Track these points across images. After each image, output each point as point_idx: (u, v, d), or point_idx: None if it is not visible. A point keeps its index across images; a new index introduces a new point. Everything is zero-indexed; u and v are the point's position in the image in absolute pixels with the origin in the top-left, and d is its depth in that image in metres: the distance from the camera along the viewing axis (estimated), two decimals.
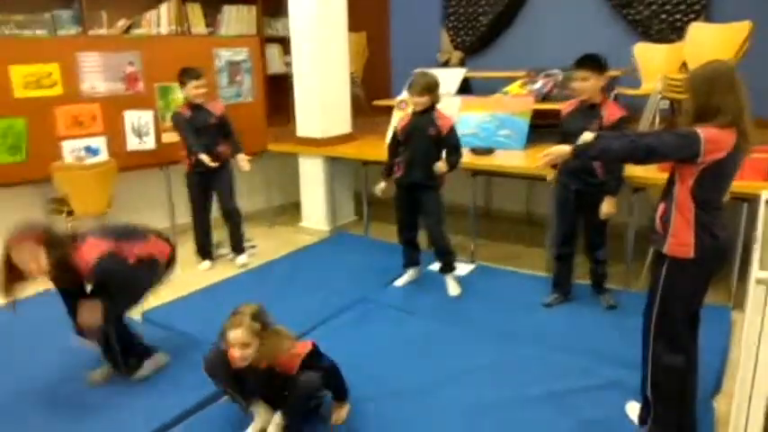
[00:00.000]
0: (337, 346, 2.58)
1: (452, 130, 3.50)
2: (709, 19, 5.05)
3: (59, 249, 2.39)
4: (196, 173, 4.08)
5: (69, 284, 2.55)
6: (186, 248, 4.71)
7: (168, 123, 4.53)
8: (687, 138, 1.97)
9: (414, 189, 3.59)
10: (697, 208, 2.03)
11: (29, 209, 4.10)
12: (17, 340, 3.22)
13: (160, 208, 4.76)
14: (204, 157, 3.89)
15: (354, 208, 5.39)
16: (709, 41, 4.36)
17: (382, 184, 3.75)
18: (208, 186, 4.17)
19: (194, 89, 3.92)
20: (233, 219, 4.27)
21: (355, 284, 3.88)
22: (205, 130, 4.01)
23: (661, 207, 2.12)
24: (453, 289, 3.68)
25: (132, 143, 4.38)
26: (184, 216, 4.94)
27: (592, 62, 3.06)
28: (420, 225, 3.76)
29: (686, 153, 1.97)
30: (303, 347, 2.30)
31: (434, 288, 3.75)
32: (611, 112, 3.07)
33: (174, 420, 2.50)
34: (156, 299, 3.61)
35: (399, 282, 3.87)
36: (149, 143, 4.43)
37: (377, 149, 4.88)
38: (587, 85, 3.08)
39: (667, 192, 2.11)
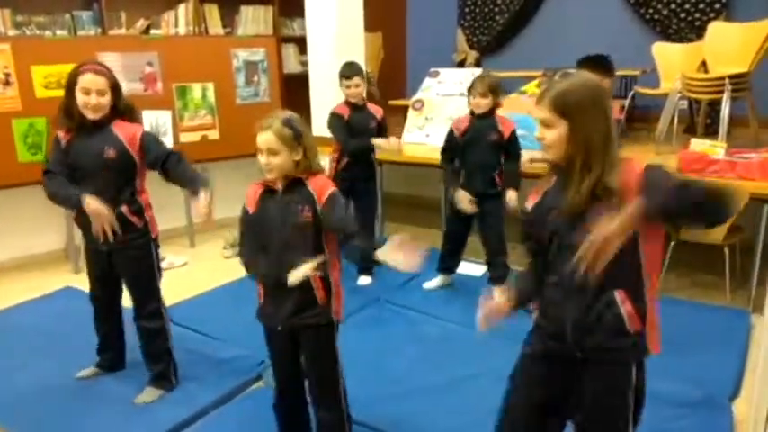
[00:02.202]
0: (353, 346, 2.59)
1: (514, 136, 3.35)
2: (729, 18, 4.99)
3: (125, 101, 2.47)
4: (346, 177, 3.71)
5: (98, 142, 2.40)
6: (207, 246, 4.76)
7: (186, 123, 4.58)
8: None
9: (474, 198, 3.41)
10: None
11: (50, 207, 4.15)
12: (36, 336, 3.27)
13: (179, 207, 4.80)
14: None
15: None
16: (729, 41, 4.31)
17: (464, 195, 3.39)
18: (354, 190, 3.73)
19: (345, 88, 3.69)
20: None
21: (371, 285, 3.88)
22: (363, 132, 3.71)
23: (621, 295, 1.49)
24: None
25: None
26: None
27: (589, 64, 2.93)
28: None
29: None
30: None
31: (451, 290, 3.74)
32: None
33: (191, 418, 2.52)
34: (175, 296, 3.67)
35: (430, 284, 3.78)
36: (167, 143, 4.46)
37: (392, 149, 4.88)
38: None
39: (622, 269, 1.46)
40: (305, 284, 1.90)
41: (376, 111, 3.82)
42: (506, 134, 3.35)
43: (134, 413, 2.56)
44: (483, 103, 3.30)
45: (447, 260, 3.74)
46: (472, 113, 3.38)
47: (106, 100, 2.37)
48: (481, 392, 2.64)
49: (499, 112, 3.44)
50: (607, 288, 1.48)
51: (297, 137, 1.89)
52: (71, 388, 2.76)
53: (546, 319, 1.62)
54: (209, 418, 2.55)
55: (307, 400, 2.14)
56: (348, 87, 3.68)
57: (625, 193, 1.38)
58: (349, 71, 3.68)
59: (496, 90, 3.32)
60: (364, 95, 3.77)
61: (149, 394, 2.64)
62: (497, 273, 3.52)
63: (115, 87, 2.42)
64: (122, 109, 2.45)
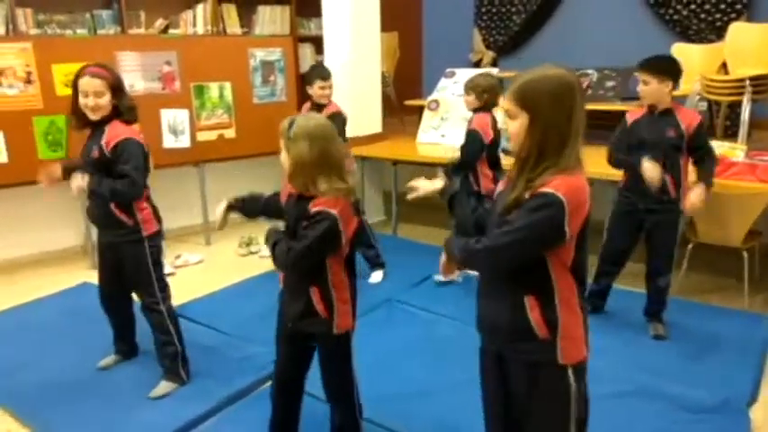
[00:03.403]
0: (364, 346, 2.59)
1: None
2: (750, 19, 4.92)
3: (127, 102, 2.52)
4: None
5: (94, 141, 2.48)
6: (219, 246, 4.80)
7: (203, 122, 4.61)
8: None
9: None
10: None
11: (68, 204, 4.22)
12: (53, 332, 3.32)
13: (194, 206, 4.84)
14: None
15: (383, 207, 5.40)
16: (750, 42, 4.26)
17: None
18: None
19: (319, 89, 3.77)
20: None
21: (382, 284, 3.89)
22: None
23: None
24: None
25: (168, 141, 4.46)
26: (217, 213, 5.03)
27: (653, 65, 2.84)
28: None
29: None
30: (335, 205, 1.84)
31: (461, 290, 3.74)
32: (686, 118, 2.87)
33: (204, 415, 2.54)
34: (190, 293, 3.70)
35: (440, 276, 3.81)
36: (185, 141, 4.51)
37: (407, 149, 4.89)
38: (648, 89, 2.86)
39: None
40: (308, 294, 1.91)
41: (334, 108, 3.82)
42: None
43: (148, 408, 2.59)
44: (466, 100, 3.50)
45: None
46: None
47: (104, 101, 2.44)
48: None
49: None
50: (518, 292, 1.50)
51: (288, 139, 1.87)
52: (87, 382, 2.79)
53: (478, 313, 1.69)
54: (223, 415, 2.57)
55: (301, 397, 2.17)
56: (323, 89, 3.74)
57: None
58: (326, 72, 3.80)
59: (477, 89, 3.43)
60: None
61: (162, 388, 2.69)
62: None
63: (116, 88, 2.47)
64: (124, 109, 2.51)
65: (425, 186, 1.88)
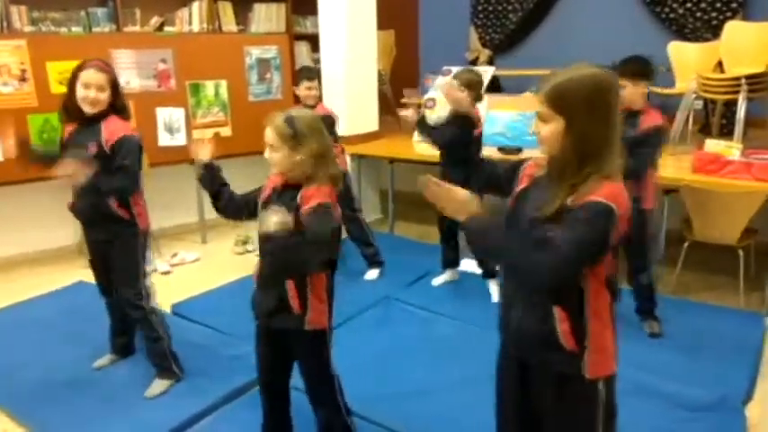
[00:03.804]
0: (361, 344, 2.59)
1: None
2: (746, 17, 4.93)
3: (122, 99, 2.52)
4: None
5: (88, 137, 2.47)
6: (215, 244, 4.79)
7: (199, 120, 4.60)
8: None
9: None
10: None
11: (63, 203, 4.19)
12: (49, 331, 3.31)
13: (190, 204, 4.83)
14: None
15: (380, 206, 5.40)
16: (746, 41, 4.26)
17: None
18: None
19: (305, 90, 3.73)
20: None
21: (379, 283, 3.89)
22: None
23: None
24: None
25: (164, 139, 4.45)
26: (213, 212, 5.01)
27: (626, 69, 2.87)
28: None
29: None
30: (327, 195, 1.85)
31: (458, 288, 3.74)
32: (647, 121, 2.89)
33: (200, 414, 2.53)
34: (186, 292, 3.69)
35: (437, 281, 3.83)
36: (180, 139, 4.49)
37: (404, 147, 4.88)
38: (622, 93, 2.92)
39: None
40: (283, 289, 1.90)
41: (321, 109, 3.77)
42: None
43: (144, 407, 2.58)
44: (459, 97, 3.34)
45: (446, 253, 3.79)
46: None
47: (104, 96, 2.44)
48: (490, 391, 2.63)
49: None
50: (548, 302, 1.44)
51: (295, 137, 1.82)
52: (83, 381, 2.78)
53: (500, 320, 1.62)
54: (219, 414, 2.57)
55: (288, 398, 2.16)
56: (309, 89, 3.71)
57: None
58: (312, 73, 3.78)
59: (471, 85, 3.32)
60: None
61: (157, 387, 2.69)
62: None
63: (115, 85, 2.49)
64: (119, 106, 2.52)
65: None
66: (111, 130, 2.46)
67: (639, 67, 2.91)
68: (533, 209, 1.43)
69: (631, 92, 2.88)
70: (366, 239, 3.99)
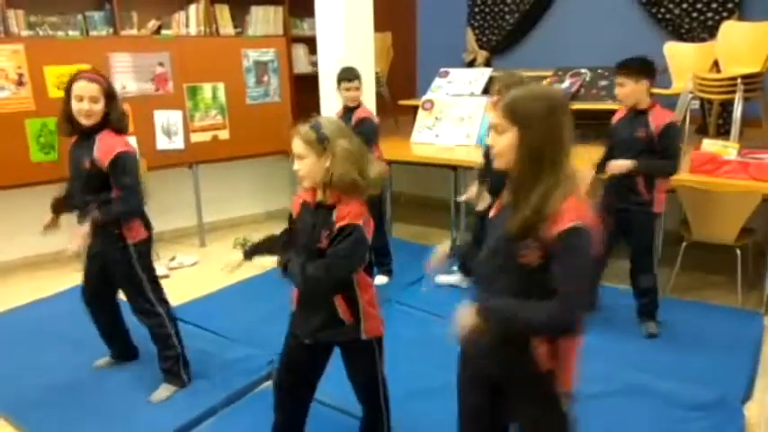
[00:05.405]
0: None
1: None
2: (742, 18, 4.95)
3: (119, 110, 2.48)
4: None
5: (83, 151, 2.45)
6: (213, 247, 4.79)
7: (197, 123, 4.61)
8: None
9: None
10: None
11: None
12: (46, 335, 3.30)
13: (189, 207, 4.83)
14: None
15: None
16: (742, 41, 4.27)
17: None
18: None
19: (345, 91, 3.71)
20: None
21: (379, 285, 3.89)
22: None
23: None
24: None
25: (162, 143, 4.45)
26: (212, 215, 5.02)
27: (627, 67, 2.89)
28: None
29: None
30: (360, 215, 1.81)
31: (458, 290, 3.74)
32: (657, 118, 2.89)
33: (200, 417, 2.53)
34: (185, 295, 3.69)
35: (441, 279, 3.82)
36: (178, 143, 4.50)
37: (402, 149, 4.89)
38: (624, 91, 2.91)
39: None
40: (331, 303, 1.88)
41: (362, 112, 3.74)
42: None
43: (144, 411, 2.58)
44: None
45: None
46: None
47: (99, 107, 2.41)
48: None
49: None
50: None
51: (321, 140, 1.77)
52: (82, 386, 2.78)
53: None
54: (219, 417, 2.56)
55: (306, 412, 2.14)
56: (348, 90, 3.70)
57: (547, 235, 1.37)
58: (351, 74, 3.73)
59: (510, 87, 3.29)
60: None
61: (163, 391, 2.68)
62: None
63: (109, 95, 2.45)
64: (115, 118, 2.47)
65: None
66: (105, 146, 2.42)
67: (640, 66, 2.91)
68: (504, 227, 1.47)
69: (633, 89, 2.88)
70: (388, 251, 3.99)
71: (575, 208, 1.37)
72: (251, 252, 2.05)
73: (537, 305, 1.41)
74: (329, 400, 2.48)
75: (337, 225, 1.78)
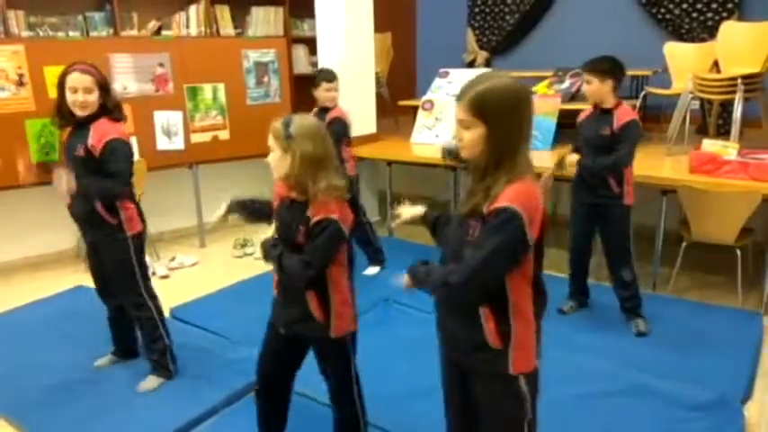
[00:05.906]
0: (361, 346, 2.59)
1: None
2: (742, 18, 4.95)
3: (114, 100, 2.52)
4: None
5: (78, 139, 2.48)
6: (214, 247, 4.79)
7: (197, 124, 4.61)
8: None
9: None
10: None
11: (62, 207, 4.19)
12: (47, 334, 3.31)
13: (189, 208, 4.83)
14: None
15: (378, 208, 5.40)
16: (742, 41, 4.27)
17: None
18: None
19: (324, 91, 3.74)
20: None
21: (379, 284, 3.88)
22: None
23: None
24: None
25: (162, 143, 4.45)
26: (212, 215, 5.02)
27: (594, 65, 2.98)
28: None
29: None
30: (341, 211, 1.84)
31: None
32: (621, 117, 2.95)
33: (199, 418, 2.53)
34: (185, 296, 3.69)
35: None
36: (178, 143, 4.50)
37: (402, 150, 4.89)
38: (591, 88, 3.00)
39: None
40: (305, 299, 1.90)
41: (336, 112, 3.77)
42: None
43: (144, 410, 2.58)
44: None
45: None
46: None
47: (93, 98, 2.44)
48: None
49: None
50: (476, 304, 1.52)
51: (287, 137, 1.79)
52: (82, 385, 2.79)
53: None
54: (219, 417, 2.56)
55: (287, 400, 2.16)
56: (328, 90, 3.72)
57: (485, 213, 1.42)
58: (331, 75, 3.77)
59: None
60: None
61: (150, 382, 2.74)
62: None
63: (103, 86, 2.48)
64: (111, 107, 2.51)
65: (408, 212, 1.91)
66: (99, 133, 2.44)
67: (606, 65, 2.99)
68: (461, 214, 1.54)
69: (598, 87, 2.97)
70: (369, 241, 4.06)
71: (515, 191, 1.40)
72: (235, 207, 2.13)
73: (444, 268, 1.53)
74: (314, 394, 2.46)
75: (313, 220, 1.80)
